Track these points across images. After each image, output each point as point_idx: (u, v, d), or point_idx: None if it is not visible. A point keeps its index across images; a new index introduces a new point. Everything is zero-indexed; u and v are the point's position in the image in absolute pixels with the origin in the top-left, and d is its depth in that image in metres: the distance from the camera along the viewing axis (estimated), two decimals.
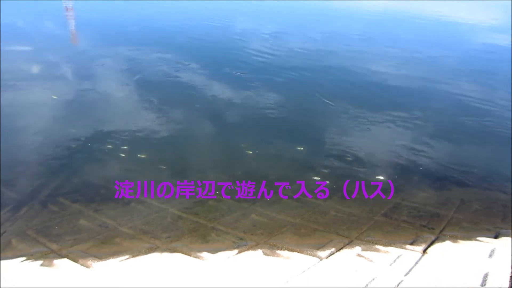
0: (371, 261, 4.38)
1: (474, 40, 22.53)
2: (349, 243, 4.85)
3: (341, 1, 36.51)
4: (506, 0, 40.73)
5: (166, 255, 4.48)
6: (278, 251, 4.60)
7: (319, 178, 6.93)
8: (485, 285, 3.81)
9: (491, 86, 13.39)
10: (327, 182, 6.81)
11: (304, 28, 22.80)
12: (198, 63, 13.56)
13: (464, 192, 6.73)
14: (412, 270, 4.14)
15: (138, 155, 7.31)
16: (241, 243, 4.86)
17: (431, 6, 37.98)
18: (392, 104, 10.78)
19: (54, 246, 4.66)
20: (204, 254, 4.50)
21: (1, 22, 18.11)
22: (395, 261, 4.37)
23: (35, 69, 12.14)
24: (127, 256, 4.42)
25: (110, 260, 4.33)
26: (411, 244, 4.85)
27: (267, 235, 5.07)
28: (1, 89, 9.89)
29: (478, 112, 10.66)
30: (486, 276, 3.96)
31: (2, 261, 4.26)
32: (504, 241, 4.97)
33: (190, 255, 4.47)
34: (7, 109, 8.83)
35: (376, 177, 7.04)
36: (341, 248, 4.70)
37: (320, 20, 27.11)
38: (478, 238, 5.07)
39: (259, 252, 4.60)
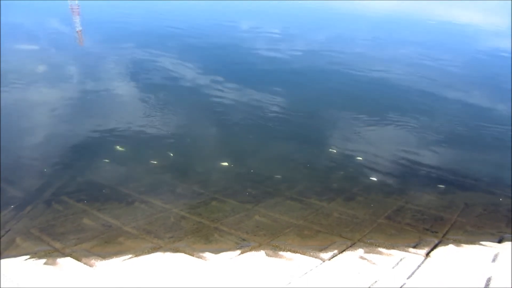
0: (373, 263, 4.37)
1: (480, 43, 22.43)
2: (352, 245, 4.85)
3: (347, 2, 36.45)
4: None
5: (169, 255, 4.50)
6: (281, 252, 4.60)
7: (322, 179, 6.94)
8: None
9: (494, 91, 13.34)
10: (331, 184, 6.84)
11: (309, 29, 22.79)
12: (201, 64, 13.58)
13: (468, 196, 6.70)
14: (415, 273, 4.13)
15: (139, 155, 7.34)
16: (244, 244, 4.87)
17: (436, 7, 37.84)
18: (396, 107, 10.75)
19: (57, 245, 4.68)
20: (207, 254, 4.51)
21: (7, 21, 18.21)
22: (397, 264, 4.36)
23: (39, 68, 12.21)
24: (130, 256, 4.44)
25: (113, 259, 4.35)
26: (414, 247, 4.84)
27: (270, 236, 5.08)
28: (6, 88, 9.95)
29: (483, 116, 10.63)
30: (489, 280, 3.94)
31: (7, 259, 4.29)
32: (507, 245, 4.95)
33: (193, 255, 4.48)
34: (12, 108, 8.89)
35: (380, 179, 7.05)
36: (344, 250, 4.69)
37: (326, 21, 27.09)
38: (481, 242, 5.05)
39: (262, 253, 4.60)
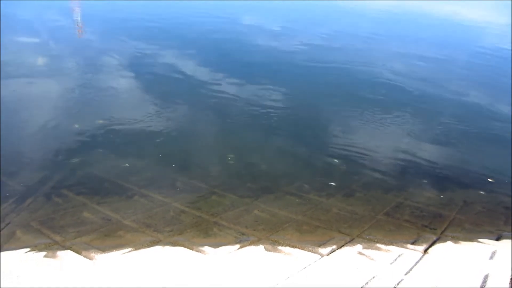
0: (372, 259, 4.40)
1: (481, 41, 22.37)
2: (351, 241, 4.87)
3: (348, 0, 36.28)
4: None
5: (168, 249, 4.52)
6: (280, 247, 4.62)
7: (322, 176, 6.95)
8: (485, 286, 3.82)
9: (494, 88, 13.34)
10: (330, 180, 6.85)
11: (310, 25, 22.73)
12: (200, 58, 13.57)
13: (467, 194, 6.72)
14: (413, 269, 4.15)
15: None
16: (243, 238, 4.89)
17: (442, 5, 37.68)
18: (395, 104, 10.74)
19: (57, 238, 4.70)
20: (206, 248, 4.54)
21: (6, 16, 18.17)
22: (396, 260, 4.38)
23: (39, 61, 12.19)
24: (129, 249, 4.46)
25: (113, 252, 4.37)
26: (413, 243, 4.86)
27: (269, 231, 5.10)
28: (6, 80, 9.94)
29: (483, 113, 10.64)
30: (486, 277, 3.97)
31: (7, 252, 4.31)
32: (505, 243, 4.97)
33: (192, 249, 4.51)
34: (11, 100, 8.88)
35: (379, 175, 7.06)
36: (342, 246, 4.71)
37: (327, 18, 27.03)
38: (479, 239, 5.08)
39: (261, 247, 4.62)
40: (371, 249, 4.67)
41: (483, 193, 6.83)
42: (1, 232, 4.81)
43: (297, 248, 4.61)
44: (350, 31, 21.82)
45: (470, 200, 6.45)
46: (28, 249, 4.39)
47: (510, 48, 20.65)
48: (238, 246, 4.65)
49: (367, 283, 3.83)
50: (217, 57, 14.06)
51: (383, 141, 8.44)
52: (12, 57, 11.96)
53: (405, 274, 4.02)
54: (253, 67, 13.37)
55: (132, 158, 7.09)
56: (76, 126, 6.58)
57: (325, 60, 14.82)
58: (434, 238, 5.03)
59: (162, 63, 12.83)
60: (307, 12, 28.26)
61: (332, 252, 4.55)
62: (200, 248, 4.54)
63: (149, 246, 4.58)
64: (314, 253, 4.50)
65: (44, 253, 4.31)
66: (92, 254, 4.29)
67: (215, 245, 4.63)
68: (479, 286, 3.81)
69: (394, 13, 31.38)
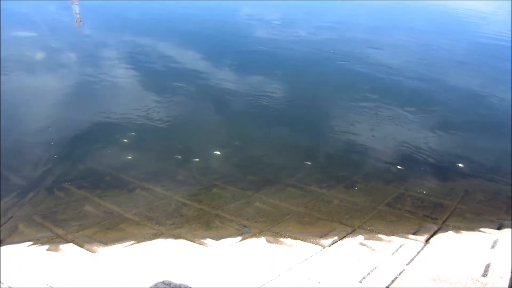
0: (373, 250, 4.41)
1: (481, 31, 22.23)
2: (352, 232, 4.88)
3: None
4: None
5: (170, 241, 4.53)
6: (281, 239, 4.63)
7: (322, 167, 6.96)
8: (486, 275, 3.83)
9: (495, 77, 13.29)
10: (331, 171, 6.85)
11: (310, 16, 22.61)
12: (200, 51, 13.52)
13: (468, 183, 6.72)
14: (414, 259, 4.16)
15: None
16: (245, 230, 4.90)
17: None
18: (395, 95, 10.70)
19: (60, 231, 4.72)
20: (208, 240, 4.55)
21: (5, 10, 18.09)
22: (397, 250, 4.39)
23: (38, 55, 12.16)
24: (131, 242, 4.47)
25: (115, 245, 4.38)
26: (414, 234, 4.87)
27: (271, 223, 5.11)
28: (6, 75, 9.92)
29: (483, 102, 10.61)
30: (488, 266, 3.98)
31: (9, 246, 4.33)
32: (507, 232, 4.97)
33: (194, 242, 4.52)
34: (11, 95, 8.87)
35: (380, 166, 7.06)
36: (344, 237, 4.73)
37: (327, 8, 26.88)
38: (481, 229, 5.08)
39: (262, 239, 4.63)
40: (373, 239, 4.68)
41: (484, 182, 6.83)
42: (4, 226, 4.83)
43: (298, 239, 4.62)
44: (349, 22, 21.71)
45: (471, 189, 6.45)
46: (31, 243, 4.41)
47: (510, 36, 20.56)
48: (239, 238, 4.67)
49: (368, 273, 3.85)
50: (215, 49, 14.01)
51: (383, 132, 8.42)
52: (12, 51, 11.93)
53: (407, 264, 4.03)
54: (249, 57, 13.33)
55: (133, 151, 7.09)
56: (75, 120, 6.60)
57: (323, 51, 14.76)
58: (436, 228, 5.03)
59: (159, 55, 12.78)
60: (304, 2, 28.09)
61: (333, 243, 4.56)
62: (202, 240, 4.55)
63: (151, 239, 4.59)
64: (315, 244, 4.51)
65: (46, 246, 4.33)
66: (95, 247, 4.30)
67: (217, 238, 4.64)
68: (480, 275, 3.83)
69: (389, 9, 31.22)
